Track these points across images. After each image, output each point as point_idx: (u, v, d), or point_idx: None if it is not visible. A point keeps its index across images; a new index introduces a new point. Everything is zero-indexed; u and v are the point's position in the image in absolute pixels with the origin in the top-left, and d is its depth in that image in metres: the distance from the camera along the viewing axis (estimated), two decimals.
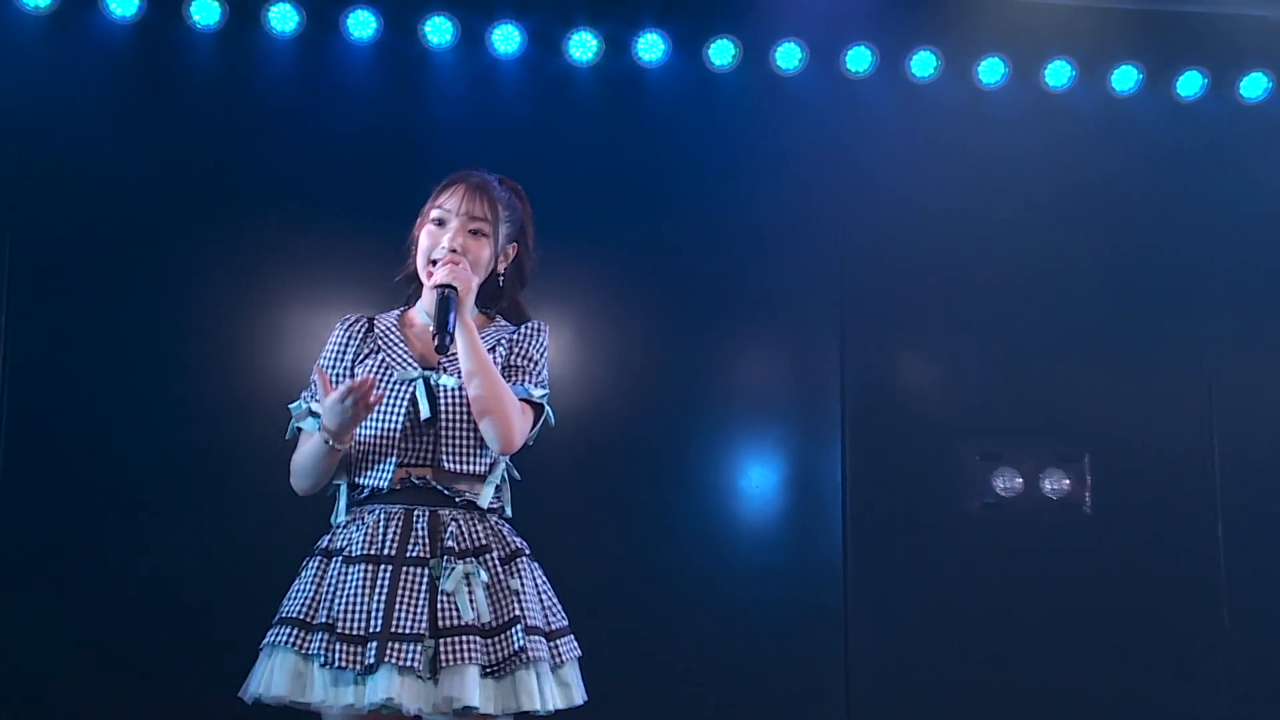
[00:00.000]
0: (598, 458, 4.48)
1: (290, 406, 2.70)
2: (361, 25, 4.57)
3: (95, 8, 4.40)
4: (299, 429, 2.70)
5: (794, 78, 4.76)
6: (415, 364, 2.64)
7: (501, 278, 2.75)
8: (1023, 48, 4.80)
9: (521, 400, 2.62)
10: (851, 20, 4.74)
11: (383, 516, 2.58)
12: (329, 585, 2.58)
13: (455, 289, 2.54)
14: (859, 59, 4.81)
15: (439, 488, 2.60)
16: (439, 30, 4.60)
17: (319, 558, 2.63)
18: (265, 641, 2.60)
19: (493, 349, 2.68)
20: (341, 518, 2.66)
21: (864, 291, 4.73)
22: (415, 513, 2.59)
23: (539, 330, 2.71)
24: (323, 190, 4.47)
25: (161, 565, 4.20)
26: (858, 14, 4.74)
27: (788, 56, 4.78)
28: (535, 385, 2.67)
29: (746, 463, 4.63)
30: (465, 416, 2.58)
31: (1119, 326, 4.81)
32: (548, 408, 2.67)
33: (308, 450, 2.63)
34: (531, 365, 2.67)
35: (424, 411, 2.57)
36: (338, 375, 2.69)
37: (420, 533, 2.56)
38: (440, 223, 2.67)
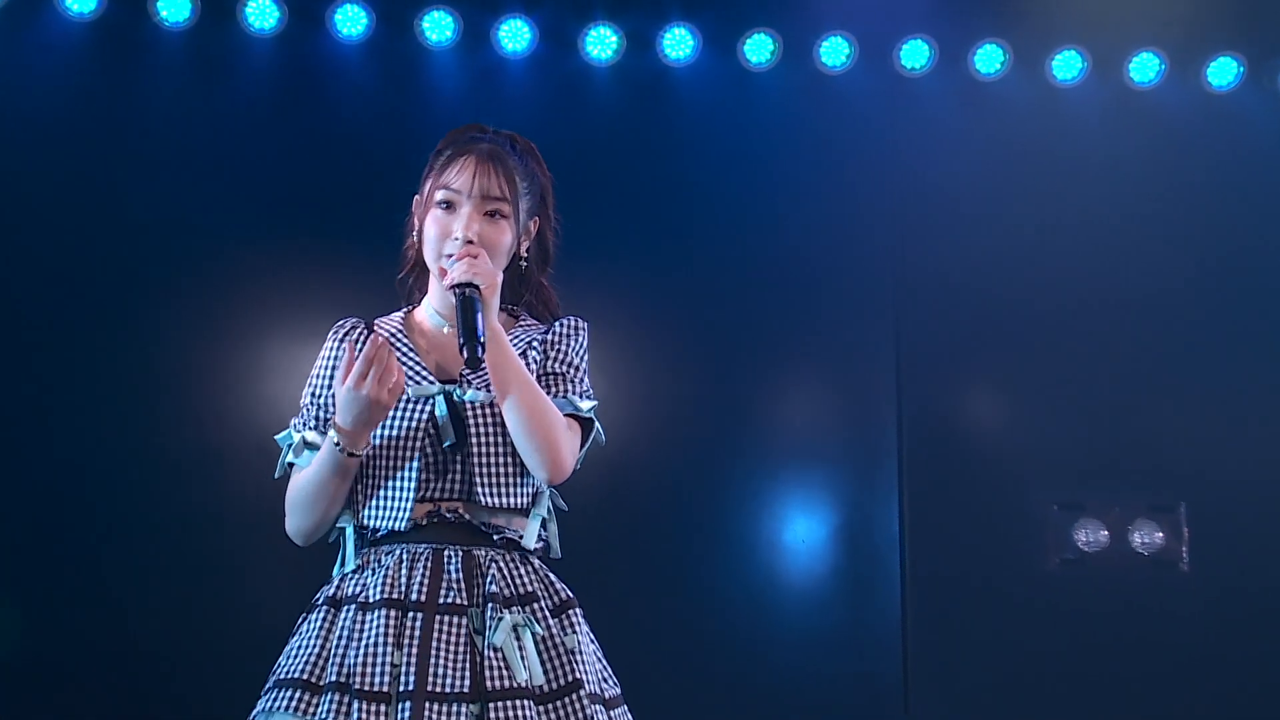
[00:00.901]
0: (623, 508, 4.41)
1: (278, 438, 2.46)
2: (350, 21, 4.47)
3: (49, 3, 4.33)
4: (290, 465, 2.45)
5: (841, 76, 4.68)
6: (431, 376, 2.40)
7: (525, 261, 2.48)
8: (1103, 39, 4.72)
9: (567, 416, 2.38)
10: (906, 11, 4.67)
11: (405, 557, 2.34)
12: (340, 637, 2.30)
13: (478, 288, 2.29)
14: (915, 54, 4.71)
15: (474, 522, 2.36)
16: (438, 26, 4.51)
17: (323, 609, 2.35)
18: (256, 710, 2.29)
19: (523, 354, 2.45)
20: (350, 564, 2.40)
21: (923, 317, 4.66)
22: (446, 552, 2.34)
23: (577, 329, 2.47)
24: (306, 208, 4.41)
25: (132, 626, 4.17)
26: (913, 4, 4.67)
27: (834, 52, 4.69)
28: (581, 396, 2.43)
29: (791, 513, 4.60)
30: (501, 438, 2.35)
31: (1218, 355, 4.73)
32: (597, 423, 2.44)
33: (312, 472, 2.38)
34: (573, 372, 2.44)
35: (445, 434, 2.35)
36: (332, 398, 2.41)
37: (454, 575, 2.32)
38: (448, 206, 2.40)
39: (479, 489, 2.35)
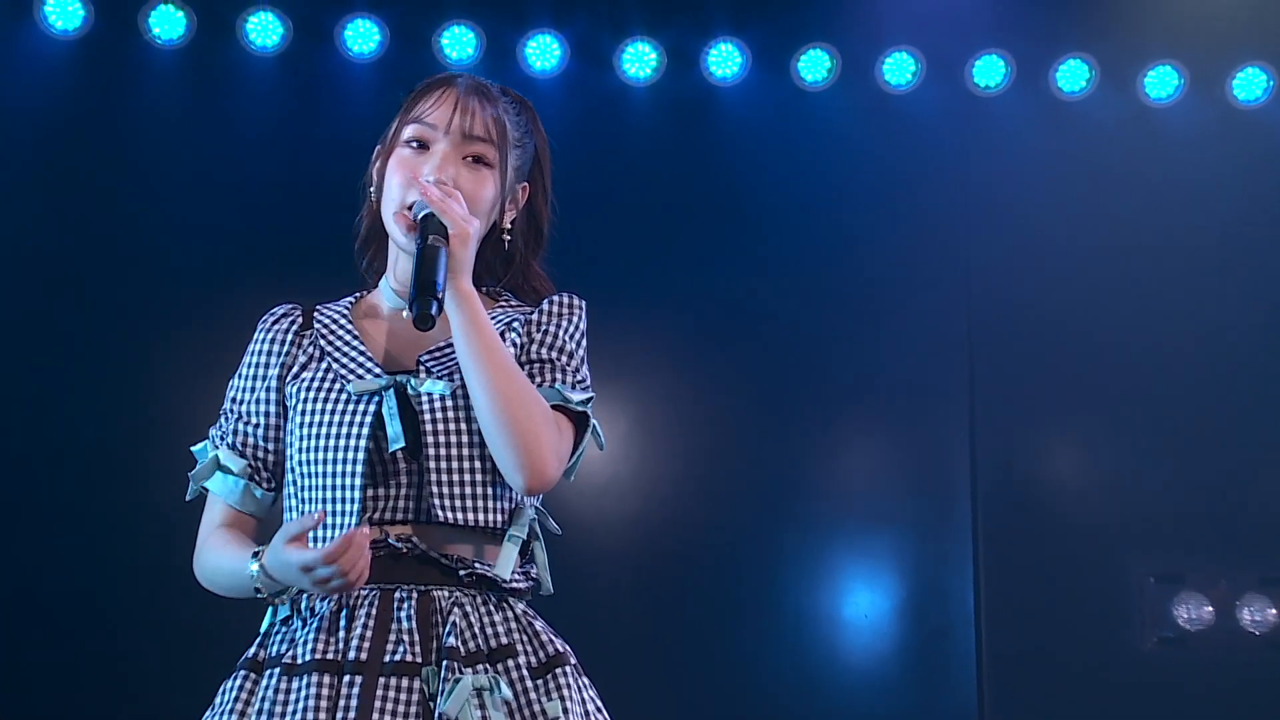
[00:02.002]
0: (662, 577, 4.40)
1: (194, 450, 2.22)
2: (362, 38, 4.48)
3: (28, 18, 4.33)
4: (204, 489, 2.21)
5: (907, 95, 4.67)
6: (377, 368, 2.12)
7: (508, 235, 2.23)
8: (1203, 53, 4.71)
9: (554, 407, 2.10)
10: (978, 25, 4.66)
11: (345, 601, 2.07)
12: (259, 711, 2.03)
13: (444, 232, 2.02)
14: (990, 71, 4.69)
15: (431, 554, 2.07)
16: (459, 43, 4.50)
17: (242, 674, 2.10)
18: None
19: (501, 335, 2.16)
20: (279, 611, 2.14)
21: (1000, 360, 4.65)
22: (397, 595, 2.06)
23: (570, 307, 2.20)
24: (312, 241, 4.11)
25: (130, 685, 4.16)
26: (987, 17, 4.66)
27: (899, 69, 4.67)
28: (572, 387, 2.14)
29: (852, 583, 4.59)
30: (467, 438, 2.07)
31: None
32: (593, 420, 2.15)
33: (225, 563, 2.11)
34: (564, 359, 2.15)
35: (392, 437, 2.06)
36: (256, 404, 2.19)
37: (405, 625, 2.04)
38: (420, 145, 2.14)
39: (437, 503, 2.06)
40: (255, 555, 2.04)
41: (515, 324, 2.19)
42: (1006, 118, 4.71)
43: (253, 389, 2.20)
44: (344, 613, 2.04)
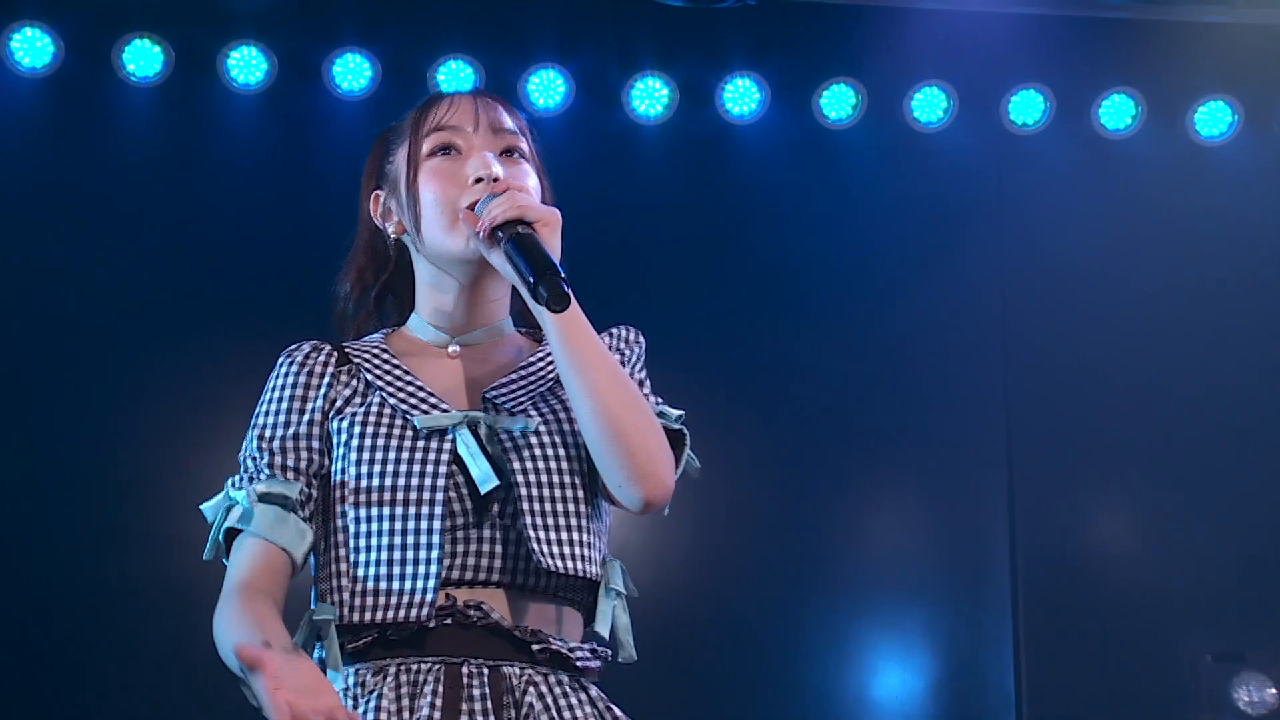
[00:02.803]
0: (676, 653, 4.33)
1: (204, 508, 2.06)
2: (352, 74, 4.48)
3: None
4: (226, 535, 2.02)
5: (938, 134, 4.69)
6: (444, 403, 2.03)
7: None
8: (1258, 89, 4.73)
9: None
10: (1015, 58, 4.67)
11: (405, 679, 1.95)
12: None
13: (530, 225, 1.96)
14: (1027, 107, 4.70)
15: (503, 624, 1.97)
16: (456, 78, 4.50)
17: None
18: None
19: (557, 382, 2.09)
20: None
21: (1041, 418, 4.64)
22: (465, 670, 1.95)
23: (630, 341, 2.16)
24: (298, 291, 4.13)
25: None
26: (1023, 51, 4.66)
27: (929, 106, 4.68)
28: (659, 404, 2.12)
29: (882, 662, 4.57)
30: (559, 477, 2.00)
31: None
32: (689, 440, 2.10)
33: (233, 634, 1.90)
34: (640, 387, 2.11)
35: (481, 477, 1.96)
36: (295, 441, 2.04)
37: (476, 705, 1.93)
38: (448, 150, 2.07)
39: (537, 549, 1.95)
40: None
41: None
42: (1045, 157, 4.72)
43: (288, 424, 2.04)
44: (405, 689, 1.93)
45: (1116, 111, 4.67)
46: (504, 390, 2.03)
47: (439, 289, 2.09)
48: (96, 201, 4.41)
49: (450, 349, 2.06)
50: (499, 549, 1.97)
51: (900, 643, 4.55)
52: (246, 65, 4.40)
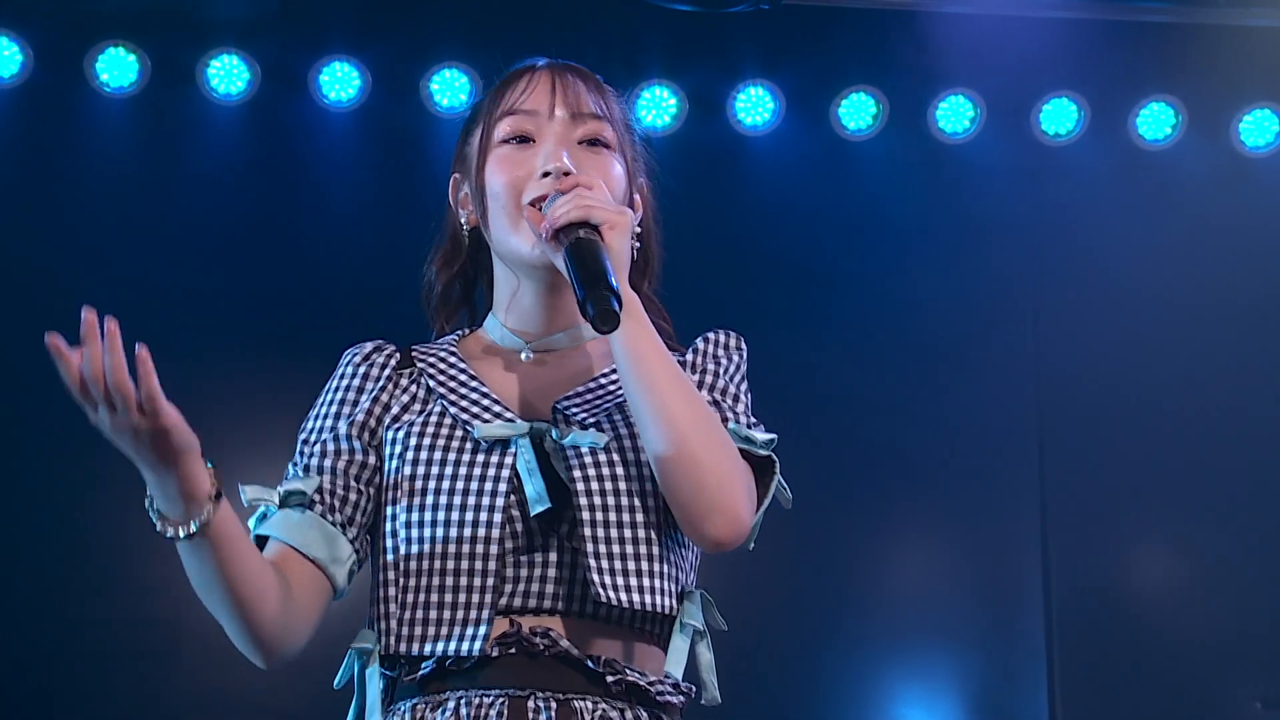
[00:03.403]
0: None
1: (243, 493, 1.98)
2: (340, 83, 4.48)
3: None
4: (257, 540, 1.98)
5: (965, 145, 4.67)
6: (509, 411, 1.95)
7: (637, 240, 2.04)
8: None
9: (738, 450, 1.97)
10: (1046, 66, 4.65)
11: (466, 713, 1.87)
12: None
13: (597, 229, 1.88)
14: (1060, 116, 4.68)
15: (574, 653, 1.89)
16: (450, 88, 4.49)
17: None
18: None
19: None
20: None
21: (1077, 446, 4.63)
22: (530, 705, 1.87)
23: (729, 347, 2.06)
24: (283, 312, 4.40)
25: None
26: (1055, 57, 4.65)
27: (954, 115, 4.67)
28: (748, 427, 2.00)
29: (908, 710, 4.56)
30: (628, 500, 1.91)
31: None
32: (778, 469, 1.98)
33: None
34: (730, 400, 2.01)
35: (534, 497, 1.89)
36: (337, 441, 1.98)
37: None
38: (521, 139, 2.00)
39: (597, 579, 1.87)
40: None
41: None
42: (1079, 170, 4.70)
43: (334, 425, 1.98)
44: None
45: (1155, 121, 4.66)
46: (576, 401, 1.94)
47: (513, 288, 2.03)
48: (68, 220, 4.40)
49: (524, 355, 2.00)
50: (563, 573, 1.89)
51: (927, 688, 4.54)
52: (227, 74, 4.40)
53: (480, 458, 1.90)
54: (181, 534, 1.73)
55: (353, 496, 1.94)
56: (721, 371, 2.02)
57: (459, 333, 2.09)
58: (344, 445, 1.96)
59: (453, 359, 2.01)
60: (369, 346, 2.04)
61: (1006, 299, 4.66)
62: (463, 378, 1.98)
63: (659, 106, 4.53)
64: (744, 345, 2.06)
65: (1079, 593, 4.57)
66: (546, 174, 1.94)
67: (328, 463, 1.95)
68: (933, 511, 4.66)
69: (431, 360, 2.02)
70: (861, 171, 4.66)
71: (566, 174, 1.92)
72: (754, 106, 4.59)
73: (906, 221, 4.66)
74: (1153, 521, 4.67)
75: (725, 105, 4.60)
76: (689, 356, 2.04)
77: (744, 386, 2.04)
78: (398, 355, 2.03)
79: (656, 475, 1.87)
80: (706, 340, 2.04)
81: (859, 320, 4.63)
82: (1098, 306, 4.67)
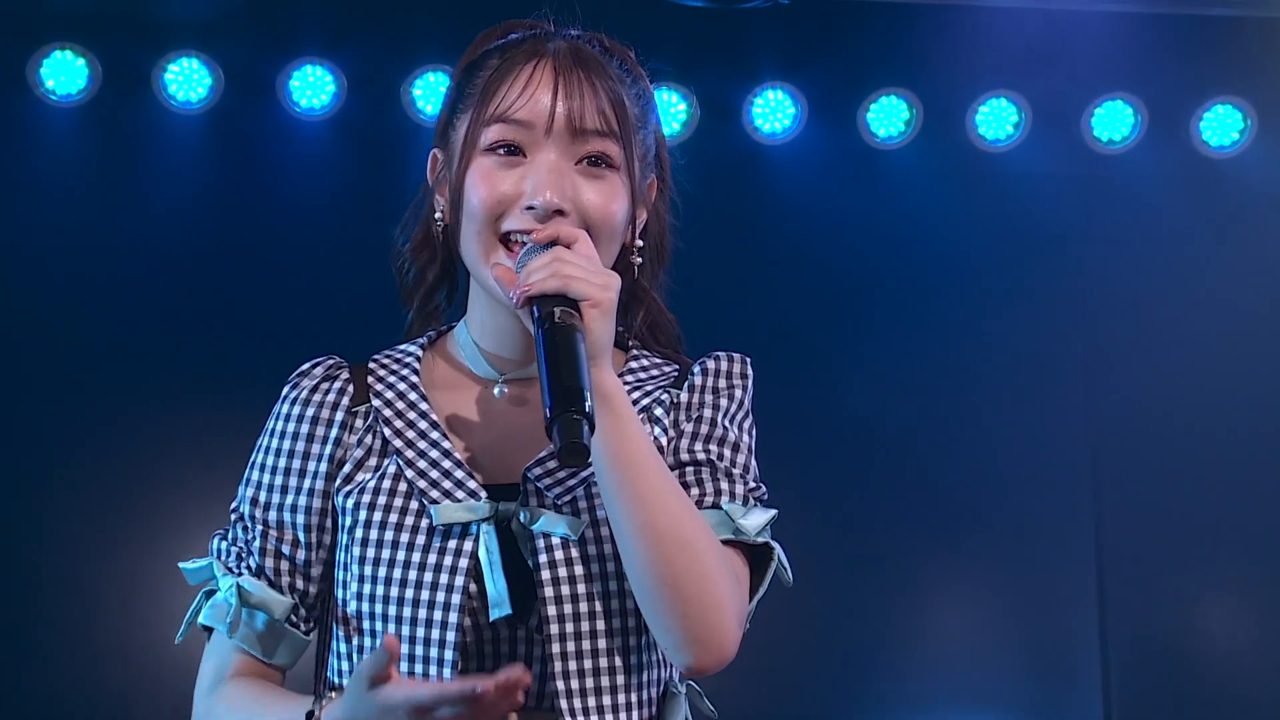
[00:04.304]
0: None
1: (186, 568, 2.00)
2: (313, 89, 4.46)
3: None
4: (208, 629, 1.99)
5: (1007, 154, 4.64)
6: (471, 480, 1.91)
7: (638, 252, 2.02)
8: None
9: (727, 544, 1.91)
10: (1096, 66, 4.60)
11: None
12: None
13: (575, 308, 1.82)
14: (1113, 121, 4.64)
15: None
16: (434, 94, 4.46)
17: None
18: None
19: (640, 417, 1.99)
20: None
21: (1135, 491, 4.59)
22: None
23: (733, 376, 2.02)
24: (248, 338, 4.36)
25: None
26: (1109, 55, 4.60)
27: (995, 121, 4.63)
28: (745, 502, 1.95)
29: None
30: (603, 603, 1.90)
31: None
32: (778, 553, 1.96)
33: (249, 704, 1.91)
34: (729, 453, 1.96)
35: (494, 600, 1.88)
36: (293, 514, 1.95)
37: None
38: (513, 149, 1.91)
39: (565, 703, 1.86)
40: (310, 716, 1.85)
41: (658, 404, 1.97)
42: (1136, 179, 4.66)
43: (284, 489, 1.95)
44: None
45: (1220, 125, 4.63)
46: (550, 469, 1.88)
47: (490, 308, 1.96)
48: (6, 241, 4.41)
49: (497, 391, 1.93)
50: (535, 675, 1.87)
51: None
52: (187, 80, 4.39)
53: (438, 543, 1.86)
54: None
55: (313, 589, 1.95)
56: (721, 415, 1.95)
57: (420, 342, 2.01)
58: (300, 520, 1.94)
59: (414, 394, 1.94)
60: (319, 374, 1.96)
61: (1055, 325, 4.65)
62: (423, 425, 1.91)
63: (668, 112, 4.50)
64: (750, 370, 2.00)
65: (1139, 655, 4.57)
66: (532, 207, 1.86)
67: (287, 547, 1.93)
68: (975, 559, 4.63)
69: (389, 397, 1.94)
70: (893, 183, 4.64)
71: (558, 211, 1.85)
72: (773, 112, 4.58)
73: (942, 240, 4.64)
74: (1218, 577, 4.65)
75: (741, 110, 4.57)
76: (684, 395, 1.97)
77: (747, 425, 1.98)
78: (350, 389, 1.96)
79: (635, 594, 1.83)
80: (705, 371, 1.97)
81: (890, 348, 4.60)
82: (1156, 334, 4.66)
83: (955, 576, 4.68)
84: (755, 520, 1.91)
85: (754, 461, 1.99)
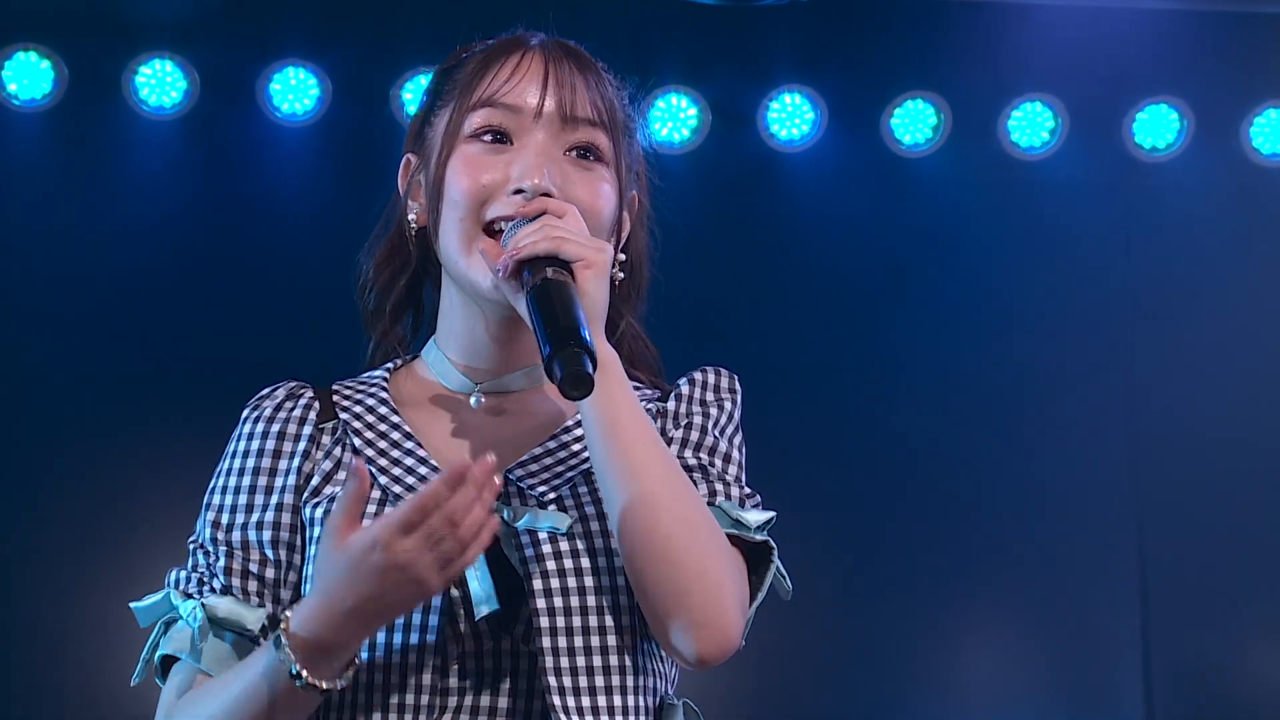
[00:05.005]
0: None
1: (137, 607, 1.99)
2: (295, 93, 4.44)
3: None
4: (161, 661, 1.97)
5: (1042, 162, 4.60)
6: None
7: (620, 266, 2.05)
8: None
9: (728, 536, 1.97)
10: (1139, 68, 4.57)
11: None
12: None
13: (567, 266, 1.86)
14: (1157, 127, 4.61)
15: None
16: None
17: None
18: None
19: None
20: None
21: (1180, 521, 4.57)
22: None
23: (721, 390, 2.06)
24: (224, 360, 4.30)
25: None
26: (1150, 57, 4.56)
27: (1029, 126, 4.60)
28: (741, 503, 1.99)
29: None
30: (595, 600, 1.92)
31: None
32: (775, 556, 2.00)
33: (232, 691, 1.88)
34: (720, 463, 2.00)
35: (478, 597, 1.89)
36: (260, 531, 1.97)
37: None
38: (499, 136, 1.95)
39: (558, 701, 1.88)
40: (276, 631, 1.84)
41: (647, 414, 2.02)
42: (1181, 189, 4.64)
43: (249, 507, 1.96)
44: None
45: (1275, 130, 4.62)
46: (534, 469, 1.91)
47: (464, 315, 1.98)
48: None
49: (473, 400, 1.95)
50: (517, 685, 1.89)
51: None
52: (160, 84, 4.37)
53: None
54: (315, 682, 1.79)
55: (283, 612, 1.91)
56: (711, 425, 1.99)
57: (387, 367, 2.04)
58: (268, 539, 1.95)
59: (384, 408, 1.97)
60: (281, 394, 1.98)
61: (1094, 346, 4.63)
62: (396, 435, 1.94)
63: (676, 118, 4.51)
64: (739, 386, 2.04)
65: (1185, 699, 4.55)
66: (519, 191, 1.88)
67: (253, 564, 1.94)
68: (1011, 598, 4.61)
69: (358, 411, 1.98)
70: (919, 194, 4.63)
71: (546, 194, 1.88)
72: (790, 117, 4.56)
73: (973, 255, 4.63)
74: (1270, 612, 4.62)
75: (755, 116, 4.56)
76: (670, 404, 2.00)
77: (738, 440, 2.01)
78: (316, 406, 1.98)
79: (629, 574, 1.84)
80: (693, 382, 2.00)
81: (916, 370, 4.59)
82: (1205, 356, 4.63)
83: (985, 616, 4.64)
84: (755, 516, 1.93)
85: (743, 474, 2.01)
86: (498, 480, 1.73)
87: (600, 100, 1.97)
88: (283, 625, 1.82)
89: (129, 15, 4.37)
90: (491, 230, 1.91)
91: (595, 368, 1.76)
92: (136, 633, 2.13)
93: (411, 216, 1.99)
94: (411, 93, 4.41)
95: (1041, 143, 4.59)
